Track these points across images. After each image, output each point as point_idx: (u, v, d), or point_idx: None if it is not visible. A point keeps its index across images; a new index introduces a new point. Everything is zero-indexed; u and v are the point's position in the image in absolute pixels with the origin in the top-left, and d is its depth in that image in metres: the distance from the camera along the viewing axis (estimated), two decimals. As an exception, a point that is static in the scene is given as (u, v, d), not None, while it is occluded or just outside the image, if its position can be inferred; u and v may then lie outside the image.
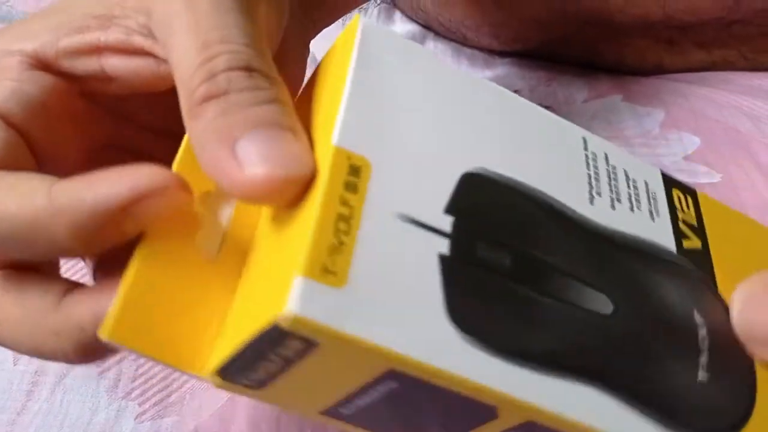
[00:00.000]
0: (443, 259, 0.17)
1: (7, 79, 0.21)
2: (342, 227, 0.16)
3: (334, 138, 0.17)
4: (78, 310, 0.19)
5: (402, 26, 0.51)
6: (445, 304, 0.16)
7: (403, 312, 0.16)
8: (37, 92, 0.21)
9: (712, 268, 0.22)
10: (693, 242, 0.22)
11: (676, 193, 0.23)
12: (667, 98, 0.43)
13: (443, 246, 0.17)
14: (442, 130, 0.19)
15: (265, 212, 0.19)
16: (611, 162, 0.22)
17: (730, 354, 0.20)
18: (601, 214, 0.20)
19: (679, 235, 0.22)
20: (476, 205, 0.18)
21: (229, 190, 0.17)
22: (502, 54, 0.49)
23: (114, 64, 0.21)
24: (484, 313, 0.17)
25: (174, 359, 0.17)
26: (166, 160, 0.20)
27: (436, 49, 0.50)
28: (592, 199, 0.21)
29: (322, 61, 0.21)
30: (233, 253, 0.19)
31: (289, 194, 0.17)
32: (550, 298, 0.18)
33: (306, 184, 0.17)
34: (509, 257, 0.18)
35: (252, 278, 0.18)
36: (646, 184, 0.22)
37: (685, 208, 0.23)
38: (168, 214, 0.18)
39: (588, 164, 0.21)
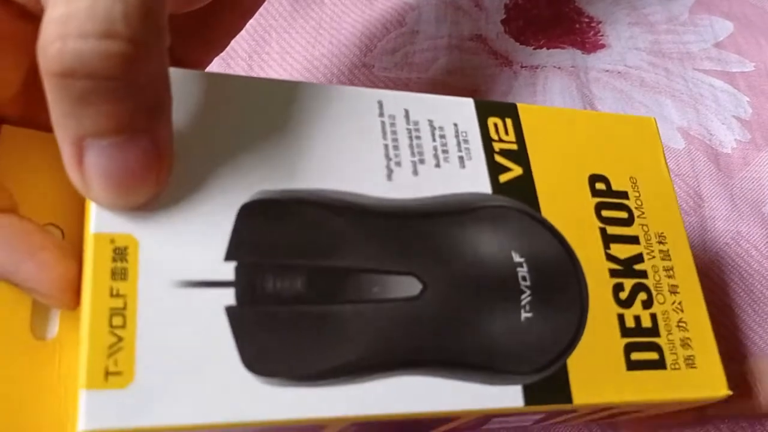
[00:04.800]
0: (230, 310, 0.17)
1: None
2: (117, 322, 0.16)
3: (92, 225, 0.17)
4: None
5: None
6: (239, 355, 0.17)
7: (200, 382, 0.16)
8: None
9: (534, 190, 0.22)
10: (512, 172, 0.22)
11: (492, 121, 0.22)
12: (698, -22, 0.40)
13: (230, 296, 0.17)
14: (211, 168, 0.19)
15: None
16: (413, 118, 0.21)
17: (556, 280, 0.21)
18: (402, 187, 0.20)
19: (495, 171, 0.21)
20: (258, 237, 0.18)
21: None
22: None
23: None
24: (278, 349, 0.17)
25: None
26: None
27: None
28: (390, 174, 0.20)
29: None
30: (73, 329, 0.19)
31: None
32: (350, 303, 0.18)
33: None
34: (301, 279, 0.18)
35: (72, 374, 0.18)
36: (456, 127, 0.22)
37: (503, 134, 0.22)
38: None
39: (384, 133, 0.21)
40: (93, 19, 0.15)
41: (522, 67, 0.37)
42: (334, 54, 0.38)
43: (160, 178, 0.17)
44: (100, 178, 0.17)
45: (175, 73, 0.19)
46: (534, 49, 0.38)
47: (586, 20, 0.39)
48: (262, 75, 0.37)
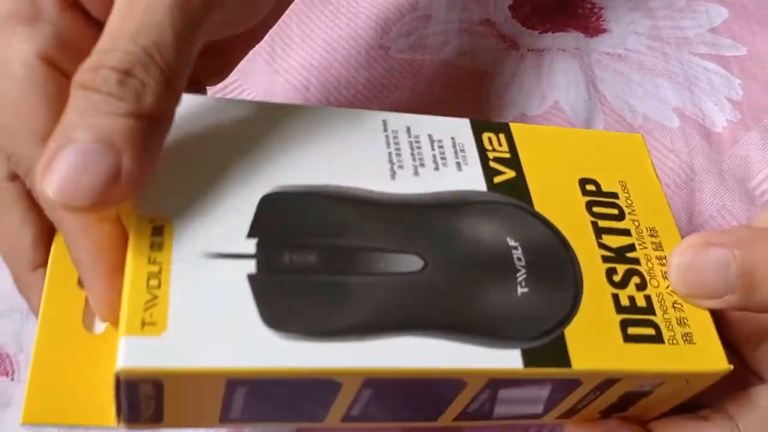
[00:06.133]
0: (251, 277, 0.20)
1: (47, 22, 0.22)
2: (153, 283, 0.19)
3: (135, 207, 0.20)
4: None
5: None
6: (259, 314, 0.19)
7: (224, 333, 0.19)
8: (74, 35, 0.22)
9: (527, 190, 0.24)
10: (505, 175, 0.24)
11: (486, 136, 0.25)
12: (696, -34, 0.42)
13: (251, 266, 0.20)
14: (236, 168, 0.22)
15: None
16: (414, 133, 0.24)
17: (549, 260, 0.23)
18: (404, 184, 0.23)
19: (490, 174, 0.24)
20: (277, 220, 0.21)
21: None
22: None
23: None
24: (296, 310, 0.20)
25: (88, 419, 0.21)
26: None
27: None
28: (393, 175, 0.23)
29: None
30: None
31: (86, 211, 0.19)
32: (360, 275, 0.21)
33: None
34: (314, 254, 0.21)
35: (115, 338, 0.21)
36: (453, 140, 0.25)
37: (496, 146, 0.25)
38: None
39: (388, 143, 0.24)
40: (128, 60, 0.19)
41: (528, 50, 0.39)
42: (351, 36, 0.40)
43: (106, 199, 0.19)
44: (61, 173, 0.18)
45: (220, 102, 0.23)
46: (540, 33, 0.40)
47: (589, 6, 0.42)
48: (285, 56, 0.40)
